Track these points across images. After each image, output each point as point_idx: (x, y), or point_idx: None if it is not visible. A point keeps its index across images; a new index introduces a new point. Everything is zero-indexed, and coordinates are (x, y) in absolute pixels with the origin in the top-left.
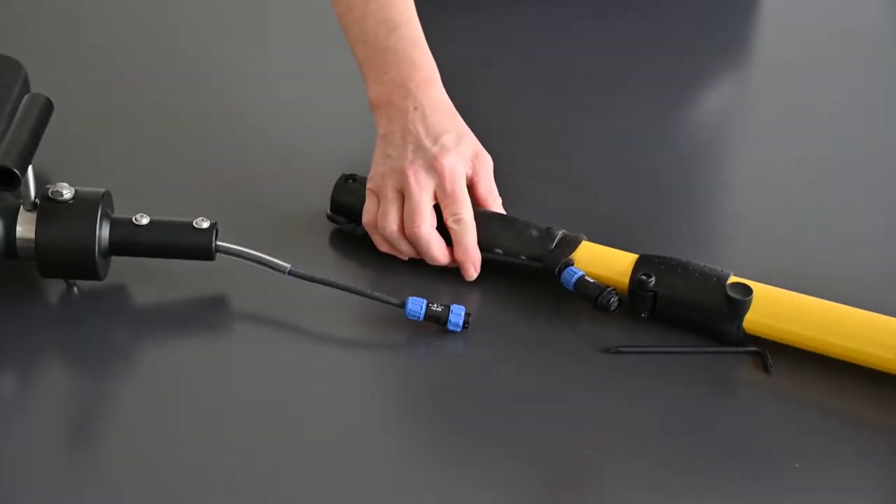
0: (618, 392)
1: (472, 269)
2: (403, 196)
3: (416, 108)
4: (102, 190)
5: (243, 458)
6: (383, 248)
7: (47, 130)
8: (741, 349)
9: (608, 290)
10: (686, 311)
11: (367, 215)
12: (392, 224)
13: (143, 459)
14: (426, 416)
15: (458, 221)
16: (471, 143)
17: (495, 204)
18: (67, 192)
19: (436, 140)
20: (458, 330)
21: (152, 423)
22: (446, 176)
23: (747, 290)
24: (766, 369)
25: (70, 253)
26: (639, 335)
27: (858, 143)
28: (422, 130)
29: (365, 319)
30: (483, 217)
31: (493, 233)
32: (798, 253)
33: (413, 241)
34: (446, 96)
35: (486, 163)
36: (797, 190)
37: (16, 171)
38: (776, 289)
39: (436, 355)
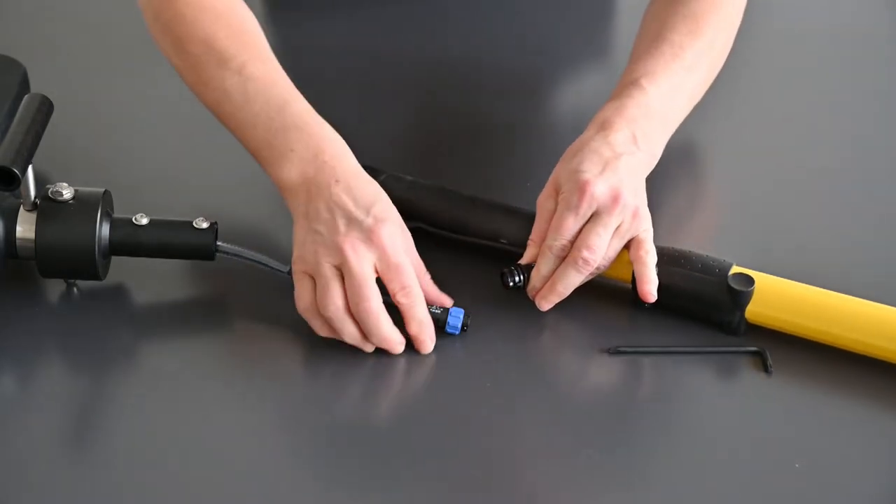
0: (618, 392)
1: (429, 342)
2: (342, 273)
3: (337, 181)
4: (102, 190)
5: (244, 458)
6: (324, 332)
7: (47, 130)
8: (741, 349)
9: (512, 268)
10: (688, 301)
11: (302, 301)
12: (337, 300)
13: (142, 459)
14: (426, 417)
15: (406, 294)
16: (397, 214)
17: (425, 277)
18: (67, 192)
19: (367, 211)
20: (457, 332)
21: (152, 423)
22: (387, 248)
23: (749, 281)
24: (766, 369)
25: (70, 253)
26: (639, 335)
27: (859, 136)
28: (350, 203)
29: None
30: (488, 207)
31: (497, 223)
32: (801, 244)
33: (362, 320)
34: (359, 165)
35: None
36: (800, 182)
37: (16, 171)
38: (779, 279)
39: (436, 355)
